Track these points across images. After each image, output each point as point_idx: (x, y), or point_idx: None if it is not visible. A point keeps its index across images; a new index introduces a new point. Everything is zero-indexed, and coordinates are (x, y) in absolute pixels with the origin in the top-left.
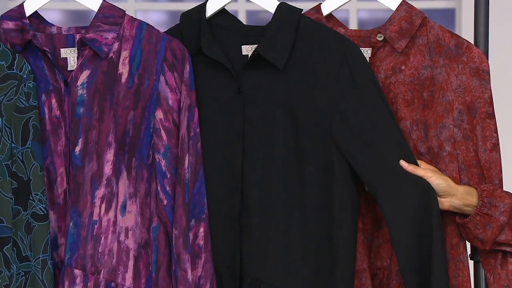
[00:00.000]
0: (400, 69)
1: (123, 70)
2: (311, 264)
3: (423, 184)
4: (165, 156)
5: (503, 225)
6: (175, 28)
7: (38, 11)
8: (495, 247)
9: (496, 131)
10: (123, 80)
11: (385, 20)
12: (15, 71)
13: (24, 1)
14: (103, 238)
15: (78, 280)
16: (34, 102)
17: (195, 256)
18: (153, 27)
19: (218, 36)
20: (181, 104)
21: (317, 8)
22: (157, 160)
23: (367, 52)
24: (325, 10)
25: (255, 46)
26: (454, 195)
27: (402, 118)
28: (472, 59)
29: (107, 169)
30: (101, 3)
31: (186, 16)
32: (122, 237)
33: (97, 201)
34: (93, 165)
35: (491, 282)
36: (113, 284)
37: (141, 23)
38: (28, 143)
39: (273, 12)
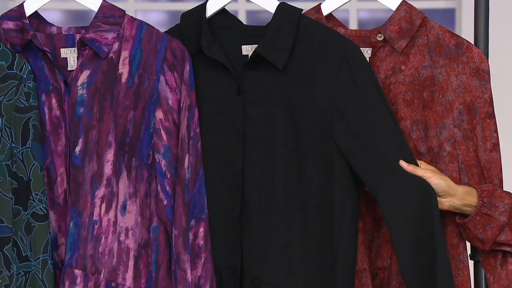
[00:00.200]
0: (400, 69)
1: (123, 70)
2: (311, 264)
3: (423, 184)
4: (165, 156)
5: (503, 225)
6: (175, 28)
7: (38, 11)
8: (495, 247)
9: (496, 131)
10: (123, 80)
11: (385, 20)
12: (15, 71)
13: (24, 1)
14: (103, 238)
15: (78, 280)
16: (34, 102)
17: (195, 256)
18: (153, 27)
19: (218, 36)
20: (181, 104)
21: (317, 8)
22: (157, 160)
23: (367, 52)
24: (325, 10)
25: (255, 46)
26: (453, 195)
27: (402, 118)
28: (472, 59)
29: (107, 169)
30: (101, 3)
31: (186, 16)
32: (122, 237)
33: (97, 201)
34: (93, 165)
35: (491, 282)
36: (113, 284)
37: (141, 23)
38: (28, 143)
39: (273, 12)
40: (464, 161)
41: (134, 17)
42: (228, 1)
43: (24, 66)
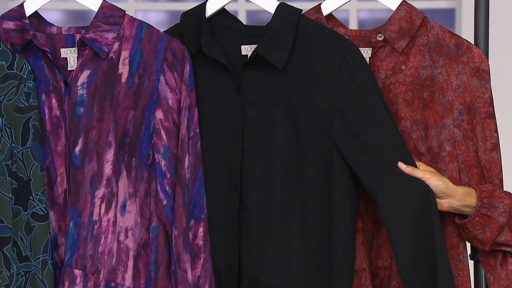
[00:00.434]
0: (400, 69)
1: (123, 70)
2: (310, 264)
3: (421, 186)
4: (165, 156)
5: (502, 225)
6: (175, 28)
7: (38, 11)
8: (495, 247)
9: (496, 131)
10: (123, 80)
11: (385, 20)
12: (15, 71)
13: (24, 1)
14: (103, 238)
15: (78, 280)
16: (34, 102)
17: (194, 256)
18: (153, 27)
19: (218, 36)
20: (181, 104)
21: (317, 8)
22: (157, 160)
23: (367, 52)
24: (325, 10)
25: (254, 46)
26: (452, 196)
27: (402, 118)
28: (472, 59)
29: (107, 169)
30: (101, 3)
31: (186, 16)
32: (121, 237)
33: (97, 201)
34: (93, 165)
35: (491, 282)
36: (113, 284)
37: (141, 23)
38: (28, 143)
39: (273, 12)
40: (464, 161)
41: (134, 17)
42: (228, 1)
43: (24, 66)
